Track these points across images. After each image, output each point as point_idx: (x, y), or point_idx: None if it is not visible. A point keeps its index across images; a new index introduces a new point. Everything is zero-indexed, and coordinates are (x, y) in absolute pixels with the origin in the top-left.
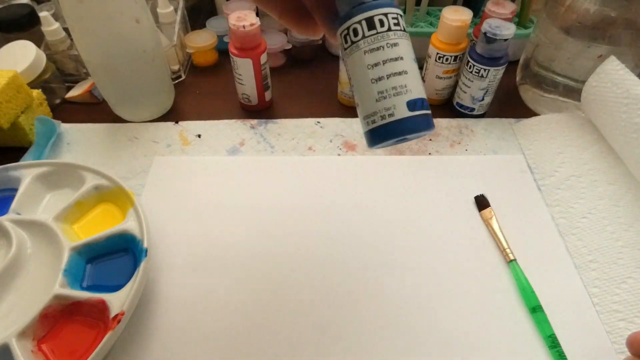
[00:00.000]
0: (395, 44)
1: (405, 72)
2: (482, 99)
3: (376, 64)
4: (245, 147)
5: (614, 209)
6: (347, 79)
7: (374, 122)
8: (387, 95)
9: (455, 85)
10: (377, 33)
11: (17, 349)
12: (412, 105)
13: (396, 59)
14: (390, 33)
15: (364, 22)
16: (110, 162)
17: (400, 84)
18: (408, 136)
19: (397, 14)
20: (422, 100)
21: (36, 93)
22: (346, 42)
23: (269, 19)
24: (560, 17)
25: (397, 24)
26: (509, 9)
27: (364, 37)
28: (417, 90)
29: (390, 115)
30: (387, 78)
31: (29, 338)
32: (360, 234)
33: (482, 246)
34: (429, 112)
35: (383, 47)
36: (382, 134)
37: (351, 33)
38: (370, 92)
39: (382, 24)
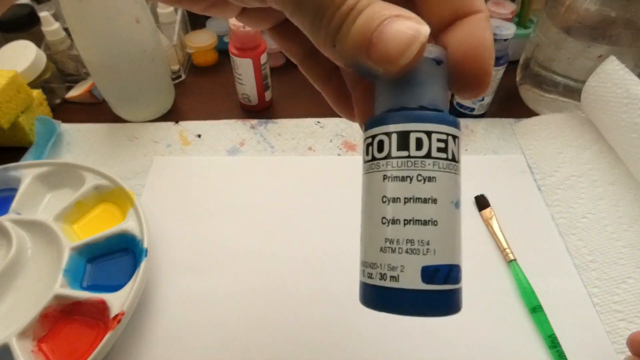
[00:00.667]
0: (430, 178)
1: (434, 223)
2: (482, 99)
3: (394, 199)
4: (245, 147)
5: (614, 209)
6: None
7: (370, 276)
8: (396, 249)
9: None
10: (409, 157)
11: (17, 349)
12: (430, 274)
13: (425, 201)
14: (427, 161)
15: (394, 136)
16: (110, 162)
17: (420, 238)
18: (412, 315)
19: (448, 134)
20: (448, 268)
21: (36, 93)
22: (367, 153)
23: None
24: (560, 17)
25: (444, 149)
26: (509, 9)
27: (388, 156)
28: (444, 252)
29: (393, 278)
30: (404, 224)
31: (29, 338)
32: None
33: (482, 246)
34: (455, 287)
35: (411, 179)
36: (375, 298)
37: (375, 145)
38: (376, 234)
39: (419, 145)
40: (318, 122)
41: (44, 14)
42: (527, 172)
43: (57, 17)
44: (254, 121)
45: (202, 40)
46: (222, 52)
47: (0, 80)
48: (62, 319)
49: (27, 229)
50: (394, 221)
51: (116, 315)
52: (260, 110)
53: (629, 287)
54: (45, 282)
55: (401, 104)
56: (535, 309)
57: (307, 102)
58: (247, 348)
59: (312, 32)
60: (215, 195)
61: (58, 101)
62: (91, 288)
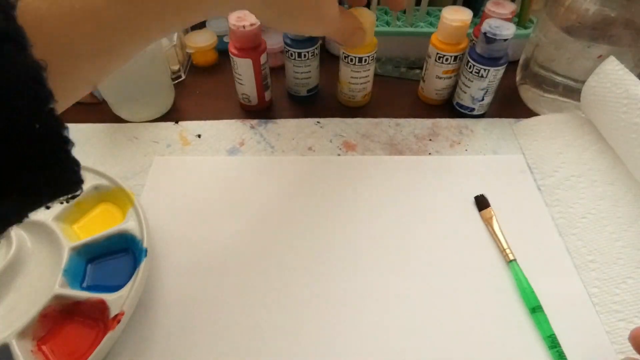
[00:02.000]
0: (367, 69)
1: (367, 79)
2: (482, 99)
3: (354, 77)
4: (245, 147)
5: (614, 209)
6: (347, 79)
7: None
8: (353, 89)
9: (455, 85)
10: (361, 64)
11: (17, 349)
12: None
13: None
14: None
15: (356, 58)
16: (110, 162)
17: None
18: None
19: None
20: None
21: None
22: (344, 58)
23: None
24: (560, 17)
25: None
26: (509, 9)
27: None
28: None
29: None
30: (357, 82)
31: (29, 338)
32: (360, 234)
33: (482, 246)
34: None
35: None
36: None
37: (349, 58)
38: (346, 84)
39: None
40: (318, 122)
41: None
42: (527, 172)
43: None
44: (254, 121)
45: (202, 40)
46: (222, 52)
47: None
48: (62, 319)
49: (27, 229)
50: (353, 82)
51: (116, 316)
52: (260, 110)
53: (629, 287)
54: (45, 282)
55: None
56: (535, 309)
57: (307, 102)
58: (247, 348)
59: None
60: (215, 195)
61: None
62: (91, 288)
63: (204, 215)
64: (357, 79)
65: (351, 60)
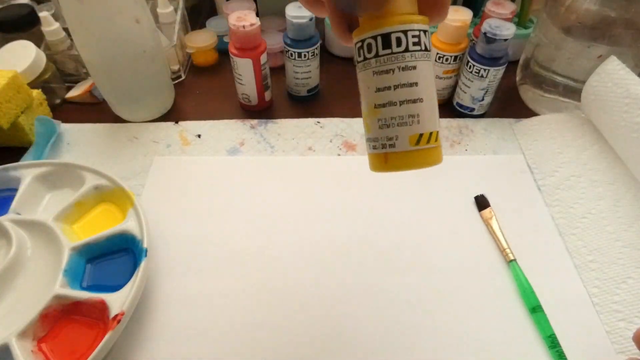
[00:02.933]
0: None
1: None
2: (482, 99)
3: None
4: (245, 147)
5: (614, 209)
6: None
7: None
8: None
9: (455, 85)
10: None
11: (17, 349)
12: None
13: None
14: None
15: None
16: (110, 162)
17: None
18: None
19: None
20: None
21: (36, 93)
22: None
23: (269, 19)
24: (560, 17)
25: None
26: (509, 9)
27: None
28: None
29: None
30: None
31: (29, 338)
32: (360, 234)
33: (482, 246)
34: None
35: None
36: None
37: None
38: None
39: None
40: (318, 122)
41: (44, 14)
42: (527, 172)
43: (57, 17)
44: (254, 121)
45: (202, 40)
46: (222, 52)
47: (0, 80)
48: (62, 319)
49: (27, 229)
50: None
51: (116, 315)
52: (260, 110)
53: (629, 287)
54: (45, 282)
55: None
56: (535, 309)
57: (307, 102)
58: (247, 348)
59: None
60: (215, 195)
61: (58, 101)
62: (91, 288)
63: (204, 215)
64: None
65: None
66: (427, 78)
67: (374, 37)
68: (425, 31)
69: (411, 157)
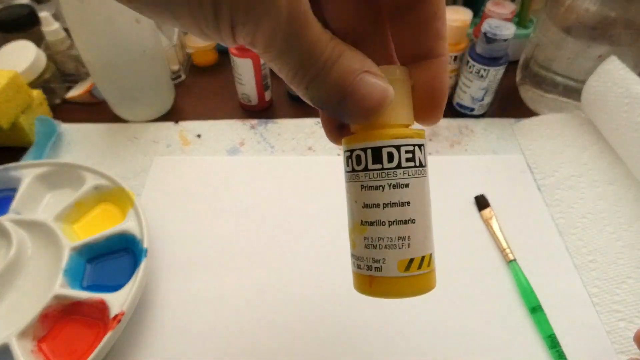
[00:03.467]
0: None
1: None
2: (482, 99)
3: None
4: (245, 147)
5: (614, 209)
6: None
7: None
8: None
9: (455, 85)
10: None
11: (17, 349)
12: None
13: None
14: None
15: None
16: (110, 162)
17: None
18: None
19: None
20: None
21: (36, 93)
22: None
23: None
24: (560, 17)
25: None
26: (509, 9)
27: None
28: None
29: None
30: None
31: (29, 338)
32: None
33: (482, 246)
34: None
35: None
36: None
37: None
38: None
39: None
40: (318, 122)
41: (44, 14)
42: (527, 172)
43: (57, 17)
44: (254, 121)
45: (202, 40)
46: (222, 52)
47: (0, 80)
48: (62, 319)
49: (27, 229)
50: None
51: (116, 315)
52: (260, 110)
53: (629, 287)
54: (45, 282)
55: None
56: (535, 309)
57: (306, 102)
58: (247, 348)
59: (288, 76)
60: (215, 195)
61: (58, 101)
62: (91, 288)
63: (204, 215)
64: None
65: None
66: (421, 196)
67: (364, 150)
68: (421, 145)
69: (399, 285)
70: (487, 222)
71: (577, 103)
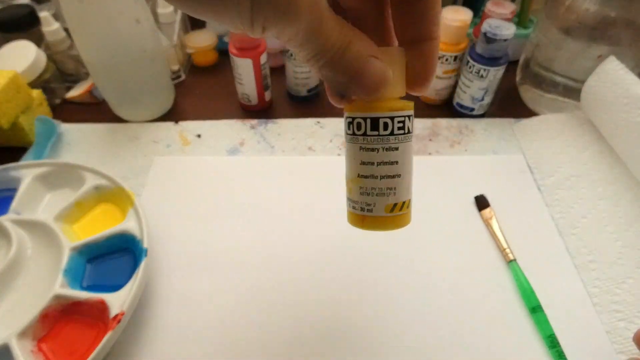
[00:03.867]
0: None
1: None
2: (482, 99)
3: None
4: (245, 147)
5: (614, 209)
6: None
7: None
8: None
9: (455, 85)
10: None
11: (17, 349)
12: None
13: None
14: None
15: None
16: (110, 162)
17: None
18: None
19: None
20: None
21: (36, 93)
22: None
23: None
24: (560, 17)
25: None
26: (509, 9)
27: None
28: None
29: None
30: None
31: (29, 338)
32: (360, 234)
33: (482, 246)
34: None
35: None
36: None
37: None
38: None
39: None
40: (318, 122)
41: (44, 14)
42: (527, 172)
43: (57, 17)
44: (254, 121)
45: (202, 40)
46: (222, 52)
47: (0, 80)
48: (62, 319)
49: (27, 229)
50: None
51: (116, 315)
52: (260, 110)
53: (629, 287)
54: (45, 282)
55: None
56: (535, 309)
57: (306, 102)
58: (247, 348)
59: (305, 59)
60: (215, 195)
61: (58, 101)
62: (91, 288)
63: (204, 215)
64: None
65: None
66: (407, 157)
67: (364, 119)
68: (410, 116)
69: (385, 222)
70: (487, 222)
71: (577, 103)
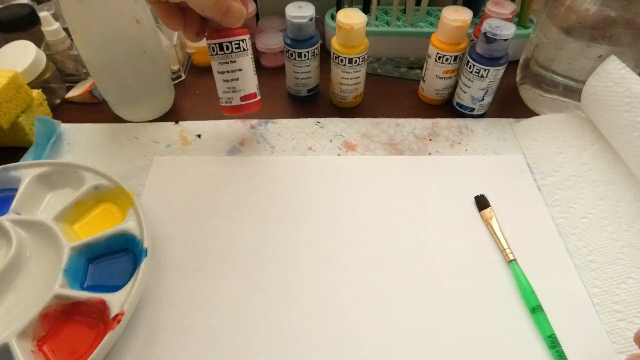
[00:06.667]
0: (234, 61)
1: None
2: (482, 99)
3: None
4: (245, 147)
5: (614, 209)
6: (338, 80)
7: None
8: (228, 91)
9: (455, 85)
10: (225, 54)
11: (17, 349)
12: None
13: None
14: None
15: (217, 45)
16: (110, 162)
17: (236, 86)
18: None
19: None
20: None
21: (36, 93)
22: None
23: (269, 19)
24: (560, 17)
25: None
26: (509, 9)
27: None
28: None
29: (230, 101)
30: (229, 81)
31: (29, 338)
32: (360, 234)
33: (482, 246)
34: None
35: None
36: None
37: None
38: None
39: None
40: (318, 122)
41: (44, 14)
42: (527, 172)
43: (57, 17)
44: (254, 121)
45: (202, 40)
46: None
47: (0, 80)
48: (62, 319)
49: (27, 229)
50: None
51: (116, 316)
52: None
53: (629, 287)
54: (45, 282)
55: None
56: (535, 309)
57: (307, 102)
58: (247, 348)
59: (194, 5)
60: (215, 195)
61: (58, 101)
62: (91, 288)
63: (204, 215)
64: (347, 80)
65: (341, 60)
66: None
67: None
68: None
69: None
70: (487, 222)
71: (577, 103)
